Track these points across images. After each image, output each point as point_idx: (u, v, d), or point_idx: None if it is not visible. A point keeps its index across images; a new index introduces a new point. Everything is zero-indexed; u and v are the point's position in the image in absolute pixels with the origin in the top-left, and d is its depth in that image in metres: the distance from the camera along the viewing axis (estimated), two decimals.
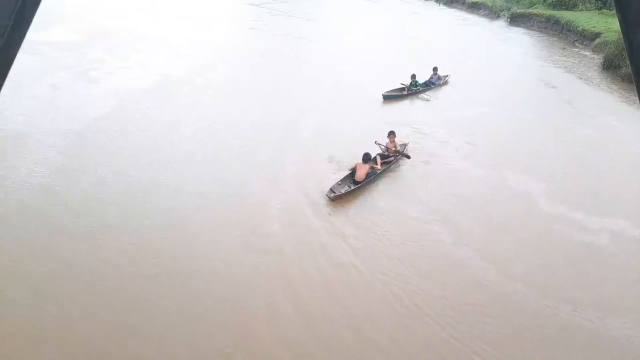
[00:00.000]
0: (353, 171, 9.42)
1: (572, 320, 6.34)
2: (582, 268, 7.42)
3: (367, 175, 9.37)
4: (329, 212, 8.53)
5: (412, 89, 15.07)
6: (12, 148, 9.64)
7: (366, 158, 9.50)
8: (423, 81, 15.60)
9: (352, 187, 9.17)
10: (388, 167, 10.04)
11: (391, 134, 10.40)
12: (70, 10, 26.54)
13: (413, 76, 15.19)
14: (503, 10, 28.56)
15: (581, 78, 17.25)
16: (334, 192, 8.85)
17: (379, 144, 10.40)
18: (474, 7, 31.06)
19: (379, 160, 10.01)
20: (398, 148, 10.35)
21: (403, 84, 15.06)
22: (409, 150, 10.66)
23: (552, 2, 26.15)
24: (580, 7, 25.42)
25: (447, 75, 16.36)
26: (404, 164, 10.32)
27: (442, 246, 7.71)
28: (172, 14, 29.22)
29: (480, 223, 8.41)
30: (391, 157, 10.22)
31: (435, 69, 15.95)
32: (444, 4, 34.16)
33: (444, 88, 15.91)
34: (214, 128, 11.66)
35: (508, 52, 21.62)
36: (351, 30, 25.92)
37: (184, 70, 16.43)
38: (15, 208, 7.89)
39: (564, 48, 21.69)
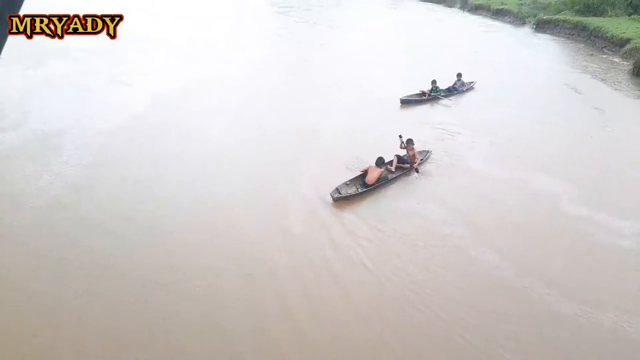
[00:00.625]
0: (364, 173, 9.24)
1: (594, 323, 6.20)
2: (605, 269, 7.24)
3: (379, 179, 9.19)
4: (341, 211, 8.49)
5: (432, 95, 14.96)
6: (50, 146, 10.26)
7: (379, 162, 9.30)
8: (446, 87, 15.51)
9: (360, 190, 8.96)
10: (403, 173, 9.82)
11: (409, 142, 10.04)
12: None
13: (433, 82, 15.07)
14: (529, 16, 28.23)
15: (609, 84, 16.87)
16: (339, 193, 8.61)
17: (401, 140, 10.01)
18: (498, 14, 30.80)
19: (395, 162, 9.83)
20: (417, 156, 10.06)
21: (422, 91, 15.01)
22: (432, 159, 10.42)
23: (580, 8, 25.71)
24: (610, 13, 24.91)
25: (472, 82, 16.19)
26: (424, 165, 10.24)
27: (460, 248, 7.63)
28: (199, 24, 30.04)
29: (501, 224, 8.29)
30: (408, 164, 9.94)
31: (459, 75, 15.82)
32: (468, 11, 34.02)
33: (468, 94, 15.79)
34: (240, 129, 12.11)
35: (534, 58, 21.32)
36: (374, 36, 26.04)
37: (213, 75, 17.15)
38: (51, 202, 8.27)
39: (591, 54, 21.26)
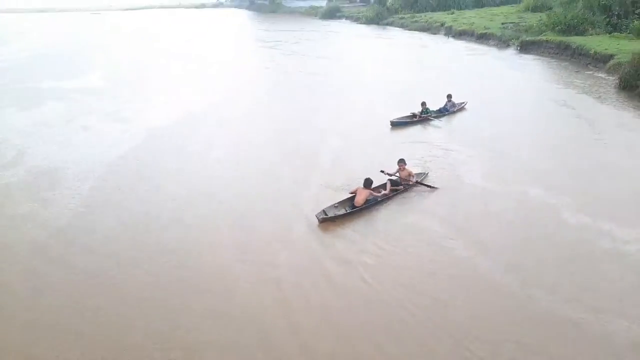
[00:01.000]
0: (354, 195, 9.15)
1: (600, 330, 5.97)
2: (610, 276, 7.04)
3: (367, 200, 9.07)
4: (331, 231, 8.39)
5: (423, 116, 15.01)
6: (47, 181, 10.75)
7: (367, 183, 9.21)
8: (437, 108, 15.61)
9: (348, 211, 8.87)
10: (397, 193, 9.66)
11: (401, 161, 9.97)
12: (92, 62, 28.42)
13: (423, 104, 15.18)
14: (512, 39, 28.85)
15: (598, 98, 17.04)
16: (325, 214, 8.56)
17: (386, 173, 9.93)
18: (482, 38, 31.47)
19: (388, 186, 9.66)
20: (412, 176, 9.91)
21: (413, 113, 15.07)
22: (430, 180, 10.22)
23: (562, 28, 26.29)
24: (591, 32, 25.47)
25: (463, 103, 16.32)
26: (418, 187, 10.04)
27: (464, 262, 7.41)
28: (187, 56, 30.62)
29: (503, 238, 8.11)
30: (401, 186, 9.79)
31: (449, 96, 15.94)
32: (452, 37, 34.76)
33: (459, 114, 15.87)
34: (234, 152, 12.70)
35: (521, 77, 21.64)
36: (362, 64, 26.47)
37: (206, 105, 18.11)
38: (53, 233, 8.52)
39: (577, 71, 21.60)
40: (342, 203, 9.10)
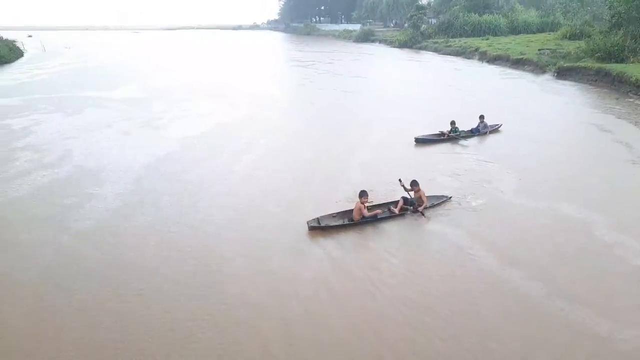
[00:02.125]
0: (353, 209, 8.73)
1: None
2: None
3: (363, 216, 8.58)
4: (351, 240, 8.27)
5: (451, 135, 14.83)
6: (92, 179, 11.39)
7: (361, 194, 8.68)
8: (469, 129, 15.39)
9: (345, 222, 8.56)
10: (403, 214, 9.09)
11: (414, 183, 9.30)
12: (131, 75, 29.81)
13: (452, 123, 15.00)
14: (549, 65, 28.41)
15: (637, 124, 16.46)
16: (318, 223, 8.35)
17: (402, 185, 9.34)
18: (518, 63, 31.14)
19: (400, 204, 9.13)
20: (425, 199, 9.26)
21: (441, 131, 14.94)
22: (451, 204, 9.61)
23: (601, 55, 25.73)
24: (632, 59, 24.83)
25: (498, 125, 15.97)
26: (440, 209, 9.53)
27: (489, 273, 7.13)
28: (224, 74, 31.50)
29: (534, 254, 7.79)
30: (411, 207, 9.17)
31: (481, 117, 15.67)
32: (487, 61, 34.55)
33: (493, 136, 15.53)
34: (264, 161, 12.96)
35: (557, 102, 21.14)
36: (394, 84, 26.55)
37: (240, 117, 18.74)
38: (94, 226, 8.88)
39: (617, 98, 20.97)
40: (341, 214, 8.78)
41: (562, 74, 26.57)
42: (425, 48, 47.09)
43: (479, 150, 13.98)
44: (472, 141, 14.89)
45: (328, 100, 22.31)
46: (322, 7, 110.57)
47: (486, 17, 49.70)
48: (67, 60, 45.34)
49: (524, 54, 31.77)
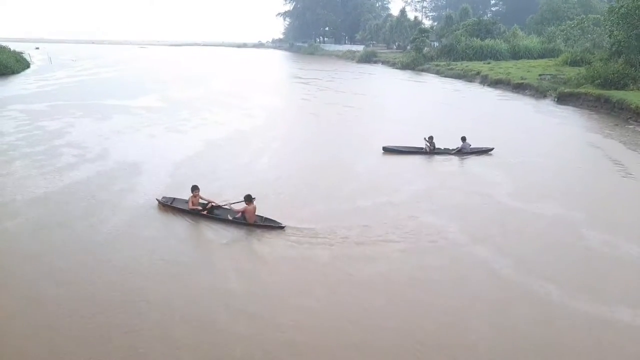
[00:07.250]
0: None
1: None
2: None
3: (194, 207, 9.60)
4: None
5: (432, 149, 15.29)
6: (127, 173, 12.92)
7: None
8: (454, 148, 15.51)
9: (199, 209, 9.53)
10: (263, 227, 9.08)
11: (248, 198, 9.10)
12: (147, 87, 30.75)
13: (430, 138, 15.41)
14: (549, 90, 28.54)
15: (636, 150, 16.39)
16: (168, 201, 10.00)
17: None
18: (519, 88, 31.29)
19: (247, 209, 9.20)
20: (254, 216, 9.17)
21: (425, 139, 15.33)
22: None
23: (601, 82, 25.87)
24: (632, 86, 24.94)
25: (490, 148, 15.78)
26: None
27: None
28: (233, 88, 32.09)
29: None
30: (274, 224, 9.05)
31: (463, 139, 15.52)
32: (488, 85, 34.76)
33: (483, 157, 15.37)
34: (276, 164, 14.29)
35: (556, 126, 21.15)
36: (395, 102, 26.74)
37: (251, 127, 20.10)
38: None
39: (616, 124, 20.97)
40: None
41: (563, 99, 26.66)
42: (427, 70, 47.47)
43: (460, 163, 13.98)
44: (447, 156, 15.20)
45: (331, 115, 22.83)
46: (327, 28, 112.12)
47: (488, 42, 50.23)
48: (74, 72, 45.83)
49: (525, 79, 31.97)
